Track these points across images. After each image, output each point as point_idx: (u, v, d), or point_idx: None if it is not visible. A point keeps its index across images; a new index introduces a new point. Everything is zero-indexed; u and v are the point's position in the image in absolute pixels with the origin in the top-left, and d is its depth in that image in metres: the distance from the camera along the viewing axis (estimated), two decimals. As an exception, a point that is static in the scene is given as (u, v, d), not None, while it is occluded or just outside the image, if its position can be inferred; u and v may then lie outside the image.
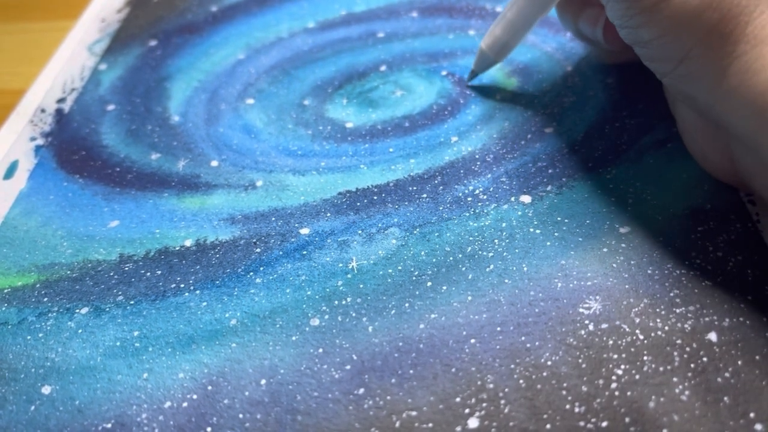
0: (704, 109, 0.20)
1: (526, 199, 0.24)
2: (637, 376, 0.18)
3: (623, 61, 0.29)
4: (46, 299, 0.22)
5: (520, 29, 0.26)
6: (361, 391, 0.19)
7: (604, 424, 0.17)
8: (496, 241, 0.22)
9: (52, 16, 0.39)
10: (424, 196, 0.24)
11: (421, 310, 0.21)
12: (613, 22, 0.21)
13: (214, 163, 0.27)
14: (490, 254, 0.22)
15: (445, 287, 0.21)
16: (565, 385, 0.18)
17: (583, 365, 0.19)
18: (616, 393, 0.18)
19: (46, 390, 0.20)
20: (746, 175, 0.21)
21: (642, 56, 0.21)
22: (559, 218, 0.23)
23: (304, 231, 0.24)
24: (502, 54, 0.27)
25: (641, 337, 0.19)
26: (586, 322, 0.20)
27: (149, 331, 0.21)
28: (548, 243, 0.22)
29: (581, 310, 0.20)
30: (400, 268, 0.22)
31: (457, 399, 0.18)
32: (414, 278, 0.22)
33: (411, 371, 0.19)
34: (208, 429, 0.18)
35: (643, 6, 0.20)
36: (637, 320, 0.19)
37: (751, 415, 0.17)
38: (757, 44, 0.18)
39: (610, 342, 0.19)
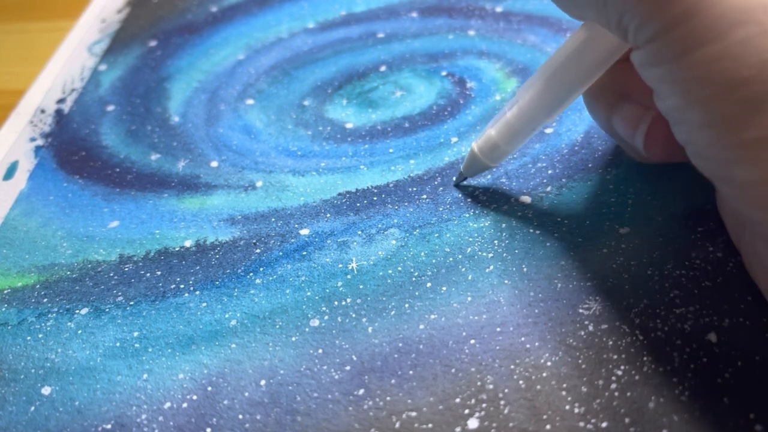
0: None
1: (526, 199, 0.24)
2: (637, 377, 0.18)
3: (665, 162, 0.23)
4: (45, 300, 0.22)
5: (521, 135, 0.22)
6: (361, 391, 0.19)
7: (604, 424, 0.17)
8: (495, 241, 0.22)
9: (52, 17, 0.39)
10: (424, 196, 0.24)
11: (421, 310, 0.21)
12: (682, 143, 0.17)
13: (214, 164, 0.27)
14: (490, 255, 0.22)
15: (444, 288, 0.21)
16: (564, 385, 0.18)
17: (583, 366, 0.19)
18: (616, 393, 0.18)
19: (45, 391, 0.20)
20: None
21: (727, 195, 0.16)
22: (558, 219, 0.23)
23: (304, 232, 0.24)
24: (499, 160, 0.23)
25: (641, 337, 0.19)
26: (586, 322, 0.20)
27: (149, 332, 0.21)
28: (548, 243, 0.22)
29: (581, 310, 0.20)
30: (399, 268, 0.22)
31: (457, 399, 0.18)
32: (414, 279, 0.22)
33: (411, 372, 0.19)
34: (208, 430, 0.18)
35: (747, 138, 0.14)
36: (637, 320, 0.19)
37: (751, 415, 0.17)
38: None
39: (610, 342, 0.19)
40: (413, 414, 0.18)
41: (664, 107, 0.16)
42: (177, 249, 0.24)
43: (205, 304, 0.22)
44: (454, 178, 0.25)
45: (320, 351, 0.20)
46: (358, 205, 0.24)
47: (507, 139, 0.22)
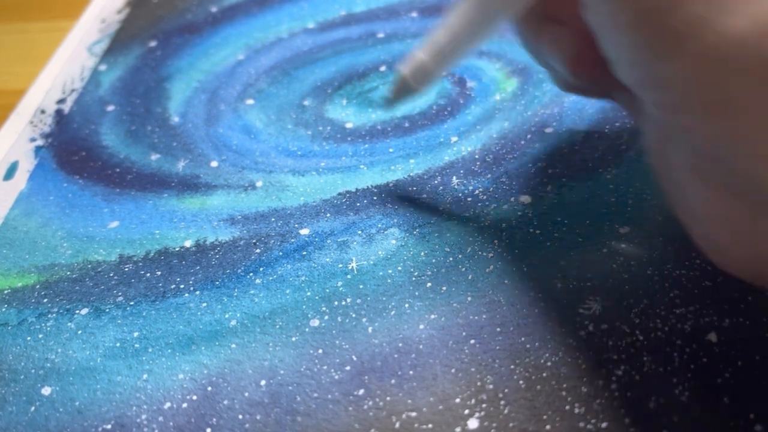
0: (743, 182, 0.14)
1: (525, 199, 0.24)
2: (637, 377, 0.18)
3: (591, 96, 0.23)
4: (45, 300, 0.22)
5: (451, 58, 0.21)
6: (361, 391, 0.19)
7: (604, 424, 0.17)
8: (495, 241, 0.22)
9: (52, 17, 0.39)
10: (424, 196, 0.24)
11: (421, 310, 0.21)
12: (608, 55, 0.17)
13: (214, 164, 0.27)
14: (490, 255, 0.22)
15: (444, 288, 0.21)
16: (564, 385, 0.18)
17: (583, 366, 0.19)
18: (616, 393, 0.18)
19: (46, 391, 0.20)
20: None
21: (652, 101, 0.16)
22: (558, 218, 0.23)
23: (304, 231, 0.24)
24: (427, 84, 0.22)
25: (641, 337, 0.19)
26: (586, 322, 0.20)
27: (149, 332, 0.21)
28: (548, 243, 0.22)
29: (581, 310, 0.20)
30: (399, 268, 0.22)
31: (457, 400, 0.18)
32: (414, 279, 0.22)
33: (411, 372, 0.19)
34: (208, 430, 0.18)
35: (672, 34, 0.14)
36: (637, 320, 0.19)
37: (751, 415, 0.17)
38: None
39: (610, 342, 0.19)
40: (413, 414, 0.18)
41: (591, 17, 0.16)
42: (177, 249, 0.24)
43: (205, 304, 0.22)
44: (384, 103, 0.24)
45: (320, 351, 0.20)
46: (358, 204, 0.24)
47: (437, 62, 0.21)
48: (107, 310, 0.22)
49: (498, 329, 0.20)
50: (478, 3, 0.20)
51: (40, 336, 0.21)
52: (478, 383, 0.19)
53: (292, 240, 0.23)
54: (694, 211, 0.16)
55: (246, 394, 0.19)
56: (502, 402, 0.18)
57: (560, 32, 0.20)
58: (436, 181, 0.25)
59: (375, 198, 0.25)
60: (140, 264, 0.23)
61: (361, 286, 0.21)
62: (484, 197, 0.24)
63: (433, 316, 0.20)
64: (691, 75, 0.14)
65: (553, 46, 0.20)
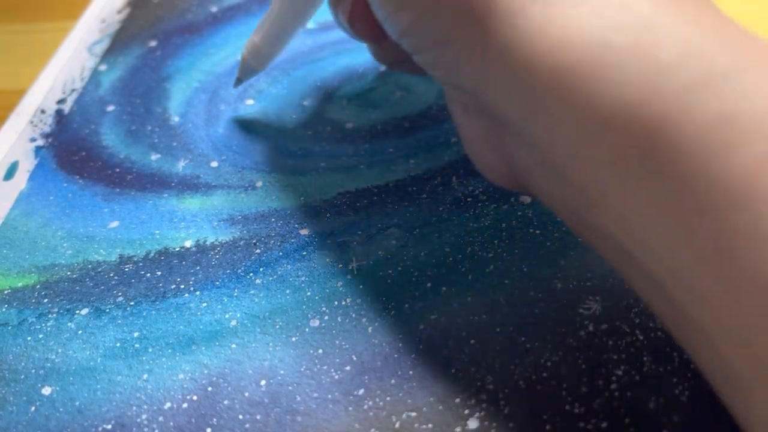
0: (473, 103, 0.18)
1: (526, 199, 0.24)
2: (637, 377, 0.18)
3: (410, 72, 0.26)
4: (46, 300, 0.22)
5: (279, 40, 0.25)
6: (361, 391, 0.19)
7: (604, 424, 0.17)
8: (495, 241, 0.22)
9: (52, 17, 0.39)
10: (424, 196, 0.24)
11: (421, 310, 0.21)
12: (375, 12, 0.19)
13: (214, 164, 0.27)
14: (490, 255, 0.22)
15: (444, 288, 0.21)
16: (564, 385, 0.18)
17: (583, 366, 0.19)
18: (616, 393, 0.18)
19: (46, 391, 0.20)
20: (523, 175, 0.18)
21: (409, 49, 0.19)
22: (559, 218, 0.23)
23: (304, 231, 0.24)
24: (265, 63, 0.27)
25: (641, 337, 0.19)
26: (586, 322, 0.20)
27: (149, 332, 0.21)
28: (548, 243, 0.22)
29: (581, 310, 0.20)
30: (399, 268, 0.22)
31: (457, 400, 0.18)
32: (414, 279, 0.22)
33: (411, 372, 0.19)
34: (208, 430, 0.18)
35: None
36: (637, 320, 0.19)
37: (751, 415, 0.17)
38: (510, 18, 0.15)
39: (610, 342, 0.19)
40: (413, 414, 0.18)
41: None
42: (177, 249, 0.24)
43: (205, 305, 0.22)
44: (234, 83, 0.28)
45: (320, 351, 0.20)
46: (358, 204, 0.24)
47: (269, 43, 0.26)
48: (107, 310, 0.22)
49: (498, 329, 0.20)
50: None
51: (41, 336, 0.21)
52: (478, 383, 0.19)
53: (292, 240, 0.23)
54: (465, 137, 0.20)
55: (246, 394, 0.19)
56: (502, 402, 0.18)
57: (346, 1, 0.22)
58: (436, 181, 0.25)
59: (375, 198, 0.25)
60: (140, 264, 0.23)
61: (361, 286, 0.22)
62: (484, 197, 0.24)
63: (432, 316, 0.20)
64: (422, 22, 0.17)
65: (337, 6, 0.23)
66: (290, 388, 0.19)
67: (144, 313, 0.22)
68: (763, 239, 0.11)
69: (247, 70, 0.27)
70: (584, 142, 0.14)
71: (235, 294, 0.22)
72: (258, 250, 0.23)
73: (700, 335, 0.13)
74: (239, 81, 0.28)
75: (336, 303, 0.21)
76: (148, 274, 0.23)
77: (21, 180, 0.27)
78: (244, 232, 0.24)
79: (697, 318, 0.13)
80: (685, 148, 0.12)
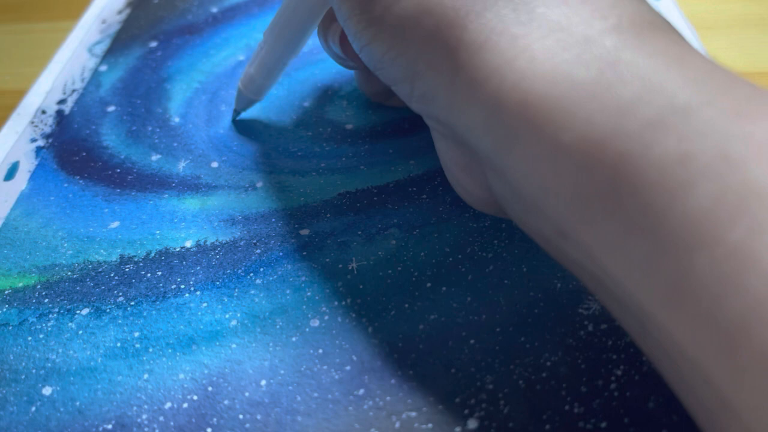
0: (449, 133, 0.18)
1: (525, 199, 0.24)
2: (637, 377, 0.18)
3: (381, 101, 0.28)
4: (46, 300, 0.22)
5: (274, 70, 0.26)
6: (361, 391, 0.19)
7: (604, 424, 0.17)
8: (495, 241, 0.22)
9: (53, 17, 0.39)
10: (424, 196, 0.24)
11: (421, 310, 0.21)
12: (352, 44, 0.20)
13: (215, 164, 0.27)
14: (490, 255, 0.22)
15: (444, 288, 0.21)
16: (564, 385, 0.18)
17: (583, 366, 0.19)
18: (616, 393, 0.18)
19: (46, 391, 0.20)
20: (502, 202, 0.18)
21: (386, 81, 0.19)
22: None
23: (304, 232, 0.24)
24: (262, 93, 0.27)
25: (641, 337, 0.19)
26: (586, 322, 0.20)
27: (150, 332, 0.21)
28: (548, 243, 0.22)
29: (581, 310, 0.20)
30: (399, 268, 0.22)
31: (457, 400, 0.18)
32: (413, 279, 0.22)
33: (410, 372, 0.19)
34: (209, 430, 0.18)
35: (370, 17, 0.17)
36: (637, 321, 0.19)
37: (751, 415, 0.17)
38: (477, 51, 0.15)
39: (610, 342, 0.19)
40: (413, 414, 0.18)
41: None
42: (178, 249, 0.24)
43: (205, 305, 0.22)
44: (233, 115, 0.29)
45: (320, 351, 0.20)
46: (358, 205, 0.24)
47: (263, 74, 0.26)
48: (108, 310, 0.22)
49: (498, 329, 0.20)
50: (287, 26, 0.24)
51: (41, 336, 0.21)
52: (478, 383, 0.19)
53: (293, 240, 0.23)
54: (445, 165, 0.20)
55: (246, 394, 0.19)
56: (502, 402, 0.18)
57: (337, 27, 0.23)
58: (436, 181, 0.25)
59: (375, 198, 0.25)
60: (141, 264, 0.23)
61: (361, 286, 0.22)
62: (484, 197, 0.24)
63: (432, 316, 0.20)
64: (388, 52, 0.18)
65: (327, 31, 0.24)
66: (290, 387, 0.19)
67: (144, 313, 0.22)
68: (717, 284, 0.11)
69: (244, 101, 0.28)
70: (552, 176, 0.14)
71: (236, 294, 0.22)
72: (258, 251, 0.23)
73: (673, 364, 0.13)
74: (237, 113, 0.29)
75: (336, 303, 0.21)
76: (149, 275, 0.23)
77: (22, 180, 0.27)
78: (245, 232, 0.24)
79: (669, 350, 0.13)
80: (646, 187, 0.13)
